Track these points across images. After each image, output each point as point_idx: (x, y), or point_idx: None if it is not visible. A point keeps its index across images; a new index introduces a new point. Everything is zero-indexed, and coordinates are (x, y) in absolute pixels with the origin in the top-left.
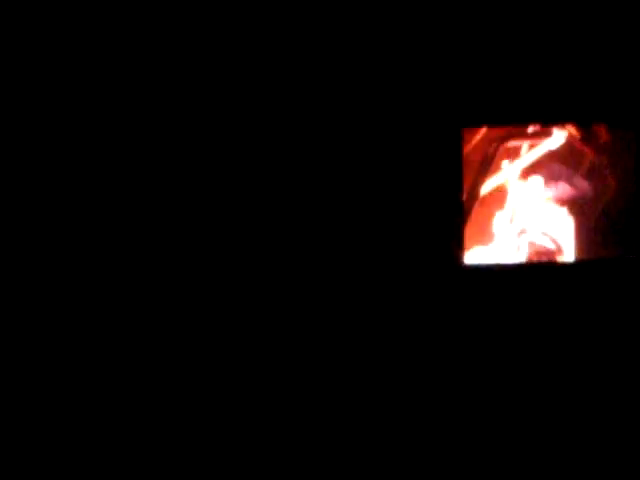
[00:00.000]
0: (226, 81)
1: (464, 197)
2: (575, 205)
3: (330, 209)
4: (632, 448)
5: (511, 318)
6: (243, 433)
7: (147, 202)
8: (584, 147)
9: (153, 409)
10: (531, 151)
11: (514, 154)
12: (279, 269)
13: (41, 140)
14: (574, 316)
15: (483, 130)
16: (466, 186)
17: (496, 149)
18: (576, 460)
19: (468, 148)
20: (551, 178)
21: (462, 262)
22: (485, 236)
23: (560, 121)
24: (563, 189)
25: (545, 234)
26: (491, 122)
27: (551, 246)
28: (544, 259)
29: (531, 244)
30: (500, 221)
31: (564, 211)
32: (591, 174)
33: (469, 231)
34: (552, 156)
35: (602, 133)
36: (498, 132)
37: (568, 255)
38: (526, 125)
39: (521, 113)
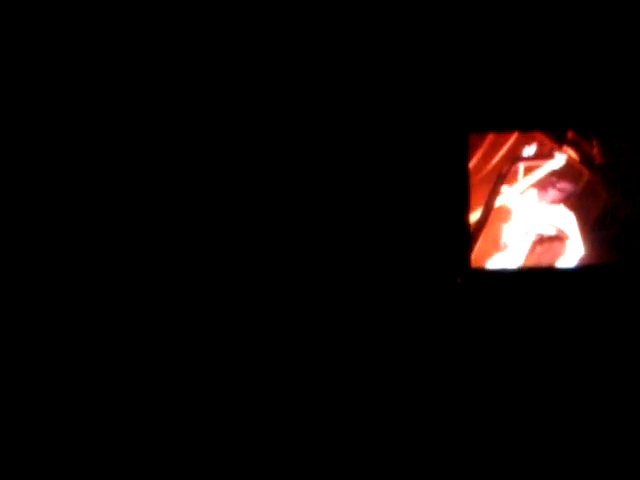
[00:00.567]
0: (226, 81)
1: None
2: (568, 202)
3: (332, 212)
4: (633, 451)
5: (513, 322)
6: (243, 433)
7: (147, 202)
8: (582, 168)
9: (153, 409)
10: (535, 172)
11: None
12: (288, 275)
13: (41, 140)
14: (578, 321)
15: (501, 152)
16: (484, 200)
17: (509, 168)
18: (576, 461)
19: (487, 169)
20: (542, 188)
21: (468, 266)
22: (499, 244)
23: (565, 128)
24: (553, 194)
25: (550, 225)
26: (498, 129)
27: (557, 232)
28: (554, 244)
29: (538, 235)
30: (509, 230)
31: (561, 207)
32: (587, 190)
33: (484, 242)
34: (553, 175)
35: (597, 156)
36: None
37: (575, 240)
38: (532, 131)
39: (527, 120)
